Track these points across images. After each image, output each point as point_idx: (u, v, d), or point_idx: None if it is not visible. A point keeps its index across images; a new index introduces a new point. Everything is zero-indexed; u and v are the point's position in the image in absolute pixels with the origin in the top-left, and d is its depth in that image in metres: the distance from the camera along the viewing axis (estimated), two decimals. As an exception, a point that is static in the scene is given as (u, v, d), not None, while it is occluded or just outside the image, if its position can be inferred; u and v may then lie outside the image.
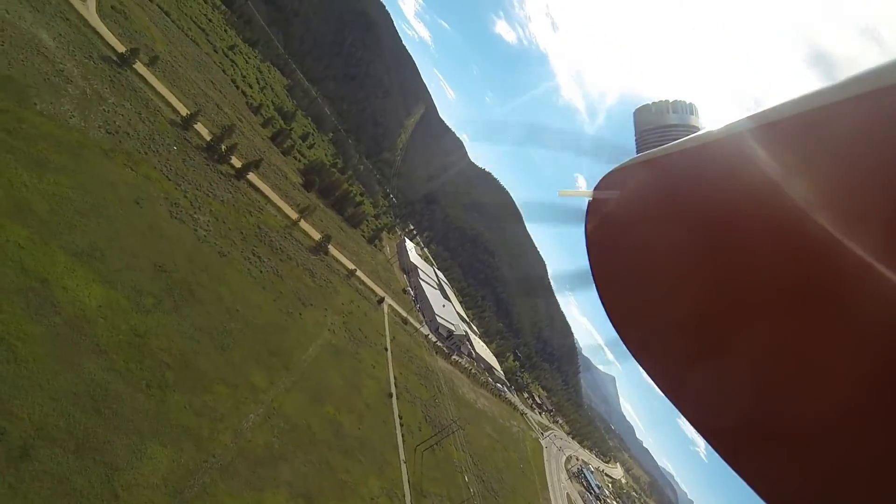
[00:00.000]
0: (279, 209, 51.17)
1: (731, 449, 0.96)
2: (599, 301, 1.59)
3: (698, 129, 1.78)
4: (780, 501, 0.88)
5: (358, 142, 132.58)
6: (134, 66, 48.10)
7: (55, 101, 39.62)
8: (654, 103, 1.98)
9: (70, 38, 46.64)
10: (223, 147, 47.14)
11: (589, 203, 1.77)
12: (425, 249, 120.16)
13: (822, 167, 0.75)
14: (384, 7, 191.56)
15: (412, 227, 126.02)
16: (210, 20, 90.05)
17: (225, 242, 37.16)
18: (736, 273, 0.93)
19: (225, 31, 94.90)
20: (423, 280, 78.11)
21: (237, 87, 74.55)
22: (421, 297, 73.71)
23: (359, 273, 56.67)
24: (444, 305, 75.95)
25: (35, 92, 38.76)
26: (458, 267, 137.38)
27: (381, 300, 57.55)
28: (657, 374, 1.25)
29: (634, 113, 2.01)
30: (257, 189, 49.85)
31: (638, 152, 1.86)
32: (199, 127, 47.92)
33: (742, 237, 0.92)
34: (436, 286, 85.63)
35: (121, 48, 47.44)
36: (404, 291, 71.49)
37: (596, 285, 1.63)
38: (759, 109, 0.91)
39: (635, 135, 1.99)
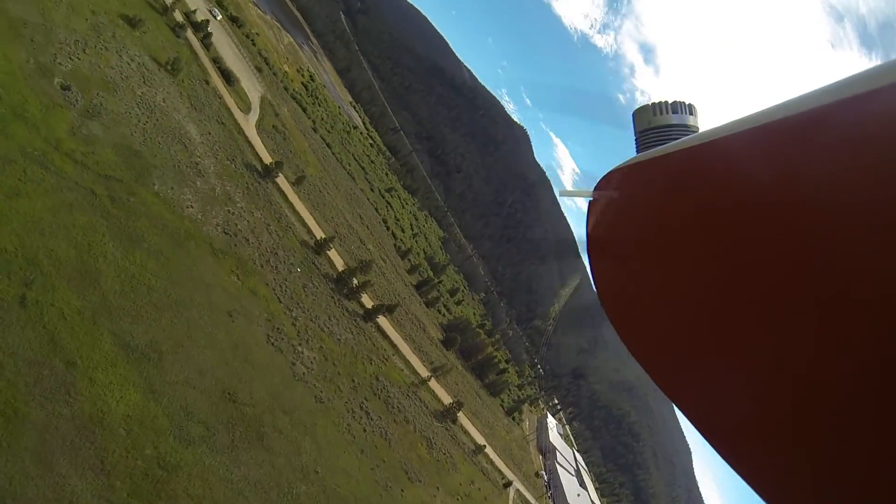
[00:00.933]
0: (408, 363, 51.12)
1: (731, 449, 1.11)
2: (599, 300, 1.94)
3: (698, 129, 2.16)
4: (781, 501, 1.00)
5: (510, 306, 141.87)
6: (276, 179, 55.79)
7: (176, 188, 46.56)
8: (653, 103, 2.29)
9: (218, 139, 57.65)
10: (355, 282, 50.15)
11: (589, 203, 2.16)
12: (567, 427, 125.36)
13: (822, 167, 0.85)
14: (545, 173, 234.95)
15: (556, 402, 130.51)
16: (372, 161, 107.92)
17: (327, 387, 33.71)
18: (736, 273, 1.07)
19: (386, 174, 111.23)
20: (559, 464, 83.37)
21: (387, 228, 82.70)
22: (555, 482, 77.96)
23: (488, 449, 53.53)
24: (578, 495, 79.93)
25: (159, 173, 45.50)
26: (598, 449, 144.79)
27: (509, 483, 55.47)
28: (657, 373, 1.46)
29: (634, 113, 2.33)
30: (386, 336, 50.85)
31: (638, 152, 2.15)
32: (332, 255, 51.70)
33: (742, 237, 1.05)
34: (573, 472, 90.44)
35: (267, 159, 56.41)
36: (537, 475, 75.18)
37: (596, 285, 2.01)
38: (759, 109, 1.05)
39: (635, 135, 2.33)
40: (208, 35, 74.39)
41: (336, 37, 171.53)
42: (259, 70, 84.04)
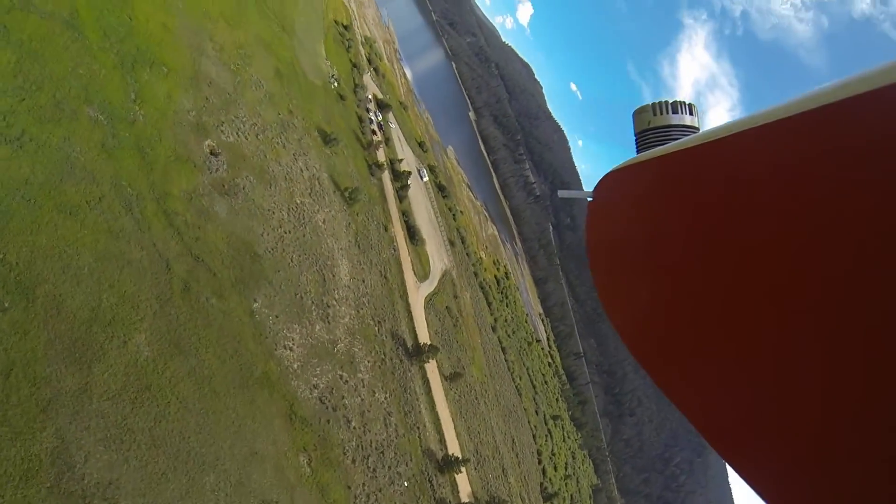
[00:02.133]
0: None
1: (731, 449, 1.33)
2: (599, 300, 2.31)
3: (698, 129, 2.57)
4: (781, 501, 1.19)
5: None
6: (426, 365, 51.59)
7: (283, 318, 42.13)
8: (653, 104, 2.69)
9: (371, 292, 53.49)
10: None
11: (589, 203, 2.51)
12: None
13: (823, 167, 1.01)
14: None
15: None
16: (546, 382, 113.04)
17: None
18: (736, 273, 1.28)
19: (556, 400, 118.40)
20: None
21: (539, 462, 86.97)
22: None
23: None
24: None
25: (270, 292, 42.65)
26: None
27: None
28: (657, 373, 1.74)
29: (634, 113, 2.75)
30: None
31: (638, 152, 2.54)
32: (460, 479, 49.25)
33: (742, 237, 1.25)
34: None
35: (424, 339, 52.71)
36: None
37: (596, 285, 2.41)
38: (759, 109, 1.24)
39: (635, 135, 2.74)
40: (406, 187, 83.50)
41: (541, 246, 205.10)
42: (452, 244, 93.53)
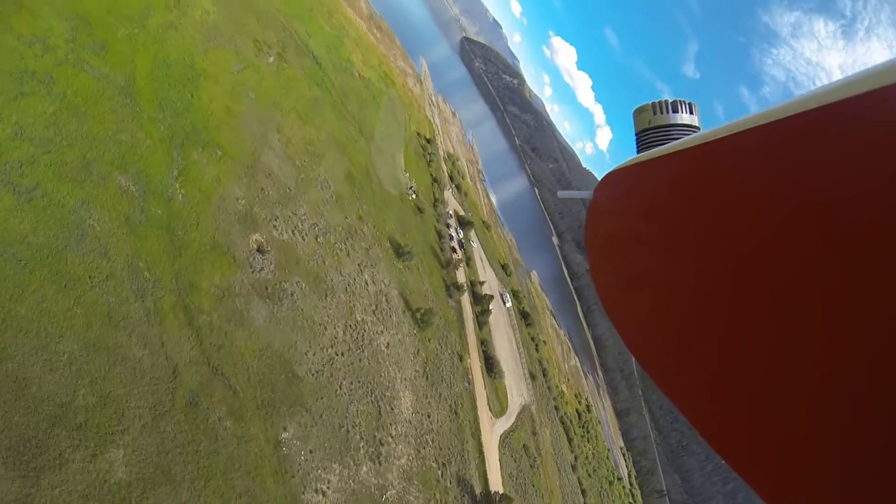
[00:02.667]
0: None
1: (731, 448, 1.45)
2: (600, 301, 2.53)
3: (698, 129, 2.74)
4: (781, 502, 1.29)
5: None
6: None
7: (319, 455, 38.57)
8: (653, 103, 2.84)
9: (437, 430, 51.51)
10: None
11: (589, 203, 2.73)
12: None
13: (823, 167, 1.08)
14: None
15: None
16: None
17: None
18: (736, 274, 1.39)
19: None
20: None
21: None
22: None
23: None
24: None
25: (305, 420, 39.37)
26: None
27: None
28: (658, 374, 1.89)
29: (634, 113, 2.93)
30: None
31: (638, 152, 2.66)
32: None
33: (742, 238, 1.35)
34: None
35: (495, 484, 53.27)
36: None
37: (596, 286, 2.59)
38: (760, 109, 1.35)
39: (635, 135, 2.89)
40: (487, 312, 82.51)
41: (623, 377, 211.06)
42: (532, 377, 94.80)
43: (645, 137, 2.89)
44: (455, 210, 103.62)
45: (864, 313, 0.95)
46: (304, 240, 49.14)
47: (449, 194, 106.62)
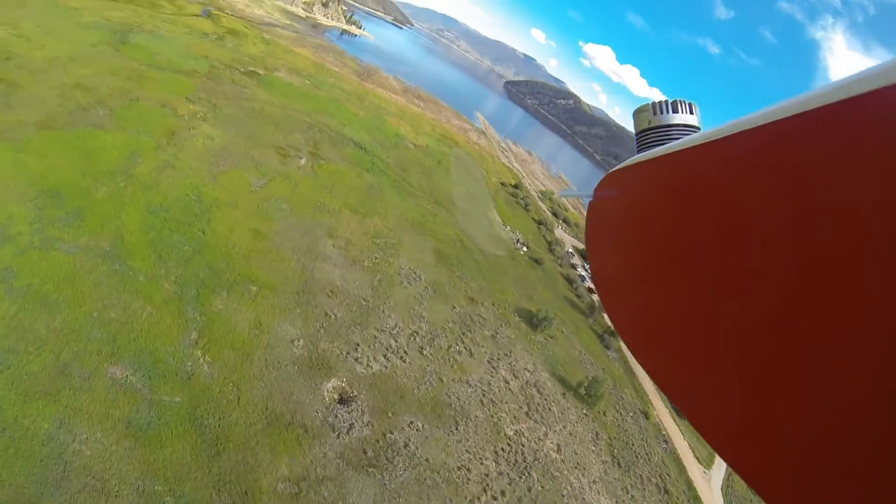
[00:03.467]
0: None
1: (730, 448, 1.47)
2: (600, 301, 2.58)
3: (698, 129, 2.66)
4: (782, 502, 1.29)
5: None
6: None
7: None
8: (653, 103, 2.77)
9: None
10: None
11: (590, 203, 2.75)
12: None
13: (824, 167, 1.10)
14: None
15: None
16: None
17: None
18: (736, 274, 1.40)
19: None
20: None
21: None
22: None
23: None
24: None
25: None
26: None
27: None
28: (659, 375, 1.90)
29: (634, 113, 2.84)
30: None
31: (638, 152, 2.61)
32: None
33: (743, 238, 1.37)
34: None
35: None
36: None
37: (596, 286, 2.63)
38: (760, 109, 1.35)
39: (635, 135, 2.81)
40: None
41: None
42: None
43: (645, 137, 2.74)
44: (573, 246, 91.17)
45: (865, 313, 0.97)
46: (403, 361, 36.13)
47: (560, 232, 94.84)
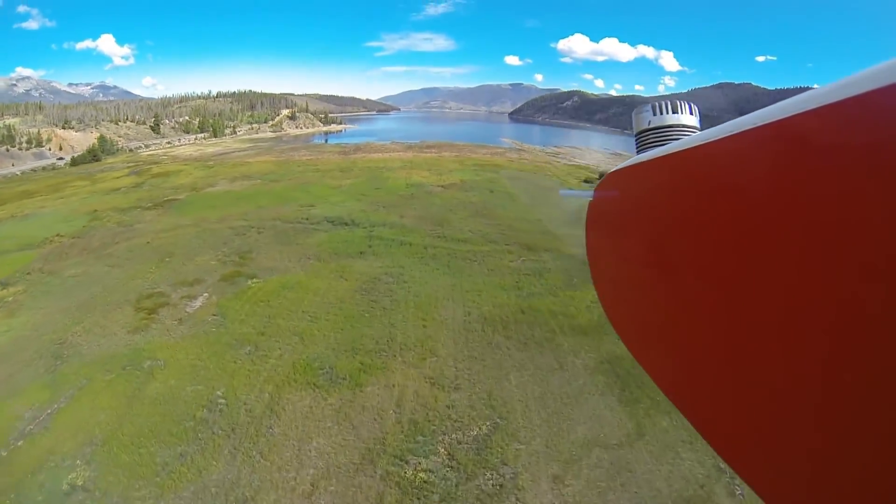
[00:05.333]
0: None
1: (730, 448, 1.34)
2: (600, 302, 2.33)
3: (698, 129, 2.35)
4: (782, 502, 1.85)
5: None
6: None
7: None
8: (653, 103, 2.47)
9: None
10: None
11: (590, 203, 2.45)
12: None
13: (824, 168, 1.03)
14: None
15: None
16: None
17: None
18: (736, 274, 1.28)
19: None
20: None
21: None
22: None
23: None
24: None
25: None
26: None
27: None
28: (659, 376, 1.73)
29: (634, 113, 2.50)
30: None
31: (638, 152, 2.28)
32: None
33: (742, 238, 1.26)
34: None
35: None
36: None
37: (595, 285, 2.30)
38: (760, 109, 1.23)
39: (635, 135, 2.46)
40: None
41: None
42: None
43: (645, 138, 2.32)
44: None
45: (864, 313, 0.93)
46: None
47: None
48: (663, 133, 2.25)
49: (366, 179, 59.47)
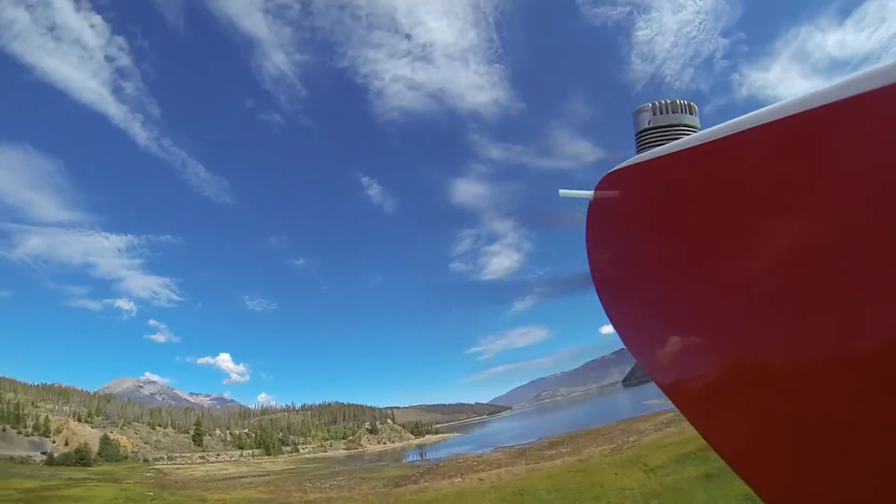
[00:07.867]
0: None
1: (730, 448, 1.51)
2: (600, 303, 2.51)
3: (698, 129, 2.70)
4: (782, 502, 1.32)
5: None
6: None
7: None
8: (653, 103, 2.89)
9: None
10: None
11: (590, 203, 2.74)
12: None
13: (823, 167, 1.12)
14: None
15: None
16: None
17: None
18: (736, 274, 1.42)
19: None
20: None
21: None
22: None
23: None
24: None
25: None
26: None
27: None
28: (660, 376, 1.93)
29: (634, 113, 2.95)
30: None
31: (638, 152, 2.73)
32: None
33: (742, 238, 1.39)
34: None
35: None
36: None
37: (596, 287, 2.57)
38: (760, 109, 1.38)
39: (635, 135, 2.90)
40: None
41: None
42: None
43: (645, 137, 2.81)
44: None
45: (863, 311, 0.96)
46: None
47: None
48: (663, 133, 2.40)
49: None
